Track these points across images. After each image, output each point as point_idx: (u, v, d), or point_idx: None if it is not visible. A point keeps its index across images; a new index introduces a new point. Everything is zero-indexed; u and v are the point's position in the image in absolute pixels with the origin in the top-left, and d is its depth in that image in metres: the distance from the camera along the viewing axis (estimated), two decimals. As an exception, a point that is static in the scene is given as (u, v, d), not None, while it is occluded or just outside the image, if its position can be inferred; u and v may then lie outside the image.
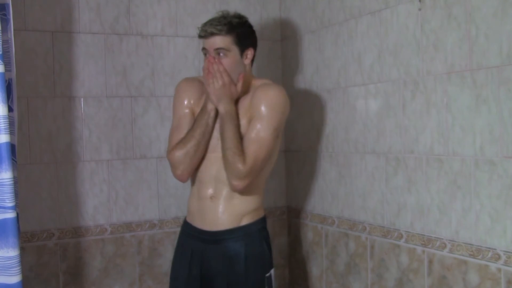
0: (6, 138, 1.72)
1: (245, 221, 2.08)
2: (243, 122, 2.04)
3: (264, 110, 2.00)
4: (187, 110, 2.12)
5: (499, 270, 1.70)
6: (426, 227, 1.95)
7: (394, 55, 2.07)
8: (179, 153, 2.04)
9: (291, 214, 2.77)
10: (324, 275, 2.52)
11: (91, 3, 2.41)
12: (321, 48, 2.50)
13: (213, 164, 2.06)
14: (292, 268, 2.77)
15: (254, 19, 2.73)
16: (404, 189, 2.04)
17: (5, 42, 1.84)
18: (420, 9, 1.95)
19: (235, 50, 2.03)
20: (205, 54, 2.05)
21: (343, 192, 2.38)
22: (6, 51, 1.83)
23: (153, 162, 2.52)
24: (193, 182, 2.16)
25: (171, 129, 2.15)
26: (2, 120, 1.71)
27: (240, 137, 2.00)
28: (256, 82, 2.13)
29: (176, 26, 2.58)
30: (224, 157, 1.98)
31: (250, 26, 2.10)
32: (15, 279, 1.74)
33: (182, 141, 2.05)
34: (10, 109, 1.82)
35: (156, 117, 2.53)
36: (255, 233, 2.08)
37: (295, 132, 2.72)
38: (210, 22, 2.02)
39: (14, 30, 1.90)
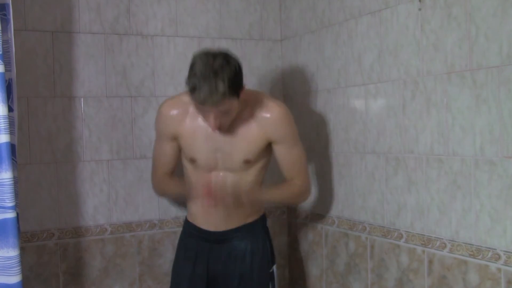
0: (6, 138, 1.72)
1: (249, 220, 2.10)
2: (249, 137, 2.01)
3: (285, 133, 2.05)
4: (166, 144, 2.11)
5: (499, 270, 1.70)
6: (426, 227, 1.95)
7: (394, 55, 2.07)
8: (158, 190, 2.22)
9: (291, 214, 2.77)
10: (324, 275, 2.52)
11: (91, 3, 2.41)
12: (321, 48, 2.50)
13: (213, 179, 2.06)
14: (292, 268, 2.77)
15: (254, 19, 2.74)
16: (404, 189, 2.04)
17: (5, 42, 1.84)
18: (420, 9, 1.95)
19: (234, 101, 1.87)
20: (200, 109, 1.89)
21: (343, 192, 2.38)
22: (6, 51, 1.84)
23: (153, 162, 2.52)
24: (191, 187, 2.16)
25: (155, 150, 2.18)
26: (2, 120, 1.71)
27: (252, 149, 2.03)
28: (251, 99, 2.01)
29: (176, 26, 2.58)
30: (291, 203, 2.16)
31: (239, 68, 1.88)
32: (15, 279, 1.74)
33: (162, 184, 2.16)
34: (10, 109, 1.82)
35: (156, 117, 2.53)
36: (258, 230, 2.14)
37: (295, 132, 2.72)
38: (206, 95, 1.78)
39: (14, 30, 1.90)
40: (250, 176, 2.08)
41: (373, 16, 2.17)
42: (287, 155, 2.07)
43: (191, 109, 2.00)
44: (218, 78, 1.77)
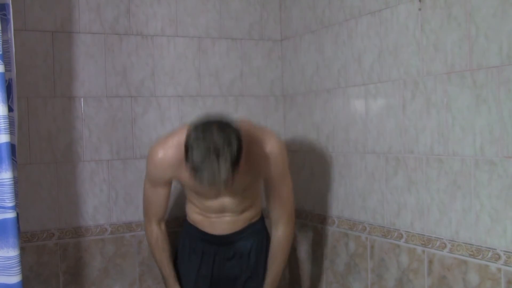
0: (6, 138, 1.72)
1: (253, 220, 2.18)
2: (243, 174, 1.91)
3: (276, 171, 2.01)
4: (161, 189, 2.05)
5: (499, 270, 1.70)
6: (426, 227, 1.95)
7: (394, 55, 2.07)
8: (149, 242, 2.16)
9: (291, 214, 2.77)
10: (324, 275, 2.52)
11: (91, 3, 2.41)
12: (321, 48, 2.50)
13: (213, 205, 2.08)
14: (292, 268, 2.77)
15: (254, 19, 2.74)
16: (404, 189, 2.04)
17: (5, 42, 1.84)
18: (420, 9, 1.95)
19: (236, 173, 1.77)
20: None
21: (343, 192, 2.38)
22: (6, 51, 1.84)
23: (153, 162, 2.52)
24: (192, 206, 2.17)
25: (146, 192, 2.10)
26: (2, 120, 1.71)
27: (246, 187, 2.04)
28: (245, 136, 1.87)
29: (176, 26, 2.58)
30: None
31: (239, 141, 1.75)
32: (15, 279, 1.74)
33: (155, 245, 2.14)
34: (10, 109, 1.82)
35: (156, 117, 2.53)
36: (261, 230, 2.19)
37: (295, 132, 2.72)
38: (210, 178, 1.70)
39: (14, 30, 1.90)
40: (250, 195, 2.12)
41: (373, 16, 2.17)
42: (276, 190, 2.07)
43: (182, 155, 1.84)
44: (218, 165, 1.68)
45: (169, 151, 1.95)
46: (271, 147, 1.98)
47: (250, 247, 2.15)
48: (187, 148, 1.72)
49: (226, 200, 2.06)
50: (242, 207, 2.11)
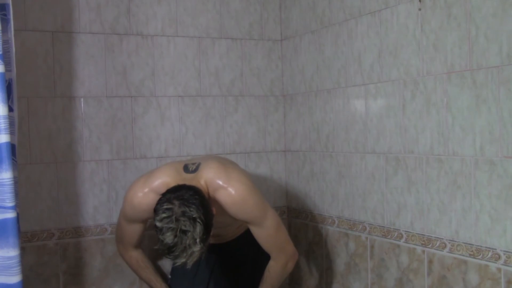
0: (6, 138, 1.72)
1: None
2: (226, 218, 1.99)
3: (252, 214, 1.97)
4: (136, 226, 2.08)
5: (499, 270, 1.70)
6: (426, 227, 1.95)
7: (394, 55, 2.07)
8: (124, 259, 2.20)
9: (291, 214, 2.77)
10: (324, 275, 2.52)
11: (91, 3, 2.41)
12: (321, 48, 2.50)
13: None
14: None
15: (254, 19, 2.74)
16: (404, 189, 2.04)
17: (5, 42, 1.84)
18: (420, 9, 1.95)
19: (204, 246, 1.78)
20: None
21: (343, 192, 2.38)
22: (6, 51, 1.84)
23: (153, 162, 2.52)
24: None
25: (118, 230, 2.14)
26: (2, 120, 1.71)
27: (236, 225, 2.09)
28: (211, 191, 1.94)
29: (176, 26, 2.58)
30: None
31: (205, 215, 1.76)
32: (15, 279, 1.74)
33: (136, 270, 2.17)
34: (10, 109, 1.82)
35: (156, 117, 2.53)
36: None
37: (295, 132, 2.72)
38: (183, 257, 1.73)
39: (14, 30, 1.90)
40: (238, 223, 2.14)
41: (373, 16, 2.17)
42: (261, 232, 2.02)
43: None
44: (189, 242, 1.70)
45: (149, 195, 1.95)
46: (235, 196, 1.93)
47: (246, 251, 2.16)
48: (156, 229, 1.73)
49: (220, 232, 2.09)
50: (236, 233, 2.16)
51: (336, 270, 2.43)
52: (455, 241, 1.84)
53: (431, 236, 1.93)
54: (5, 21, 1.84)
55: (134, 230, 2.09)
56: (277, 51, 2.80)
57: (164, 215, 1.71)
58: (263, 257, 2.11)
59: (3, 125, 1.71)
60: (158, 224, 1.71)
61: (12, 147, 1.79)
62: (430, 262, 1.94)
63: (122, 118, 2.47)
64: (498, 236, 1.70)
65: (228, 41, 2.68)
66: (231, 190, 1.92)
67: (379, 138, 2.16)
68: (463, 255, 1.81)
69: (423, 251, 1.97)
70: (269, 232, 2.02)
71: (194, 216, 1.70)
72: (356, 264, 2.31)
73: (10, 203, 1.72)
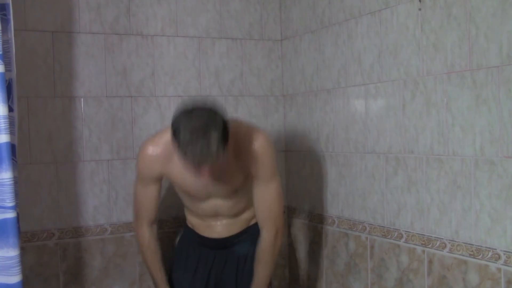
0: (6, 138, 1.72)
1: (250, 223, 2.16)
2: (233, 171, 1.98)
3: (262, 169, 1.98)
4: (151, 187, 2.05)
5: (499, 270, 1.70)
6: (426, 227, 1.95)
7: (394, 55, 2.07)
8: (140, 244, 2.14)
9: (291, 214, 2.77)
10: (324, 275, 2.52)
11: (91, 3, 2.41)
12: (321, 48, 2.50)
13: (207, 207, 2.08)
14: (292, 268, 2.77)
15: (254, 19, 2.74)
16: (404, 189, 2.04)
17: (5, 42, 1.84)
18: (420, 9, 1.95)
19: (225, 153, 1.79)
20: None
21: (343, 192, 2.38)
22: (6, 51, 1.83)
23: (153, 162, 2.52)
24: (188, 210, 2.18)
25: (137, 191, 2.08)
26: (2, 120, 1.71)
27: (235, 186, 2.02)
28: (233, 133, 1.88)
29: (176, 26, 2.58)
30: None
31: (225, 119, 1.77)
32: (15, 279, 1.74)
33: (146, 249, 2.11)
34: (10, 109, 1.82)
35: (156, 117, 2.53)
36: (258, 233, 2.12)
37: (295, 132, 2.72)
38: (199, 155, 1.70)
39: (14, 30, 1.90)
40: (244, 197, 2.09)
41: (373, 16, 2.17)
42: (264, 192, 2.02)
43: (172, 152, 1.89)
44: (208, 140, 1.68)
45: (159, 147, 1.97)
46: (259, 143, 1.96)
47: (247, 252, 2.13)
48: (175, 131, 1.72)
49: (218, 203, 2.05)
50: (236, 210, 2.10)
51: (336, 270, 2.43)
52: (455, 241, 1.84)
53: (431, 236, 1.93)
54: (5, 21, 1.84)
55: (148, 195, 2.05)
56: (277, 51, 2.80)
57: (186, 114, 1.73)
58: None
59: (3, 125, 1.71)
60: (175, 125, 1.72)
61: (12, 147, 1.79)
62: (430, 262, 1.94)
63: (122, 118, 2.47)
64: (498, 236, 1.70)
65: (228, 41, 2.68)
66: (259, 137, 1.96)
67: (379, 138, 2.16)
68: (463, 255, 1.81)
69: (423, 251, 1.97)
70: (271, 195, 2.02)
71: (215, 117, 1.72)
72: (356, 264, 2.31)
73: (10, 203, 1.72)
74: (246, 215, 2.14)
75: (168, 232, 2.53)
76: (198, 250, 2.15)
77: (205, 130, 1.68)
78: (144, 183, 2.04)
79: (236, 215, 2.11)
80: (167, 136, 1.86)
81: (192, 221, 2.16)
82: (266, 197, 2.03)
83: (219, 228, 2.12)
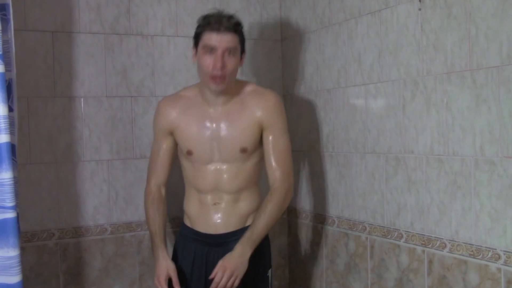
0: (6, 138, 1.72)
1: (249, 222, 2.09)
2: (243, 123, 2.04)
3: (275, 120, 2.08)
4: (163, 140, 2.12)
5: (499, 270, 1.70)
6: (426, 227, 1.95)
7: (394, 55, 2.07)
8: (145, 204, 2.17)
9: (291, 214, 2.77)
10: (324, 275, 2.52)
11: (91, 3, 2.41)
12: (321, 48, 2.50)
13: (209, 176, 2.07)
14: (292, 268, 2.77)
15: (254, 19, 2.74)
16: (404, 189, 2.04)
17: (5, 42, 1.84)
18: (420, 9, 1.95)
19: (239, 51, 2.01)
20: (208, 52, 1.96)
21: (343, 192, 2.38)
22: (6, 51, 1.83)
23: (153, 162, 2.52)
24: (189, 190, 2.16)
25: (152, 148, 2.20)
26: (2, 120, 1.71)
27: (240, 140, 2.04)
28: (244, 87, 2.11)
29: (176, 26, 2.58)
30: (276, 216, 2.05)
31: (243, 29, 2.07)
32: (15, 279, 1.74)
33: (150, 206, 2.12)
34: (10, 109, 1.82)
35: (156, 117, 2.53)
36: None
37: (295, 132, 2.71)
38: (219, 17, 1.96)
39: (14, 30, 1.90)
40: (247, 169, 2.08)
41: (373, 16, 2.17)
42: (275, 143, 2.06)
43: (187, 101, 2.09)
44: (229, 15, 1.99)
45: (171, 98, 2.16)
46: (272, 96, 2.09)
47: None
48: (196, 33, 2.03)
49: (220, 170, 2.04)
50: (236, 185, 2.05)
51: (336, 270, 2.43)
52: (455, 241, 1.84)
53: (431, 236, 1.93)
54: (5, 21, 1.84)
55: (160, 150, 2.12)
56: (277, 51, 2.80)
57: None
58: (261, 253, 2.08)
59: (3, 125, 1.71)
60: (200, 18, 2.03)
61: (12, 147, 1.79)
62: (430, 262, 1.94)
63: (122, 118, 2.47)
64: (498, 236, 1.70)
65: (228, 41, 2.67)
66: (271, 92, 2.11)
67: (379, 138, 2.16)
68: (463, 255, 1.81)
69: (423, 251, 1.97)
70: (284, 147, 2.08)
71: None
72: (356, 264, 2.31)
73: (10, 203, 1.72)
74: (244, 207, 2.08)
75: (168, 232, 2.53)
76: (194, 247, 2.10)
77: (228, 13, 2.00)
78: (157, 137, 2.15)
79: (235, 196, 2.06)
80: (183, 92, 2.13)
81: (190, 210, 2.12)
82: (280, 148, 2.06)
83: (216, 218, 2.06)
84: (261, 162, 2.12)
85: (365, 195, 2.25)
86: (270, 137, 2.06)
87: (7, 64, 1.82)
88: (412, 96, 1.99)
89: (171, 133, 2.12)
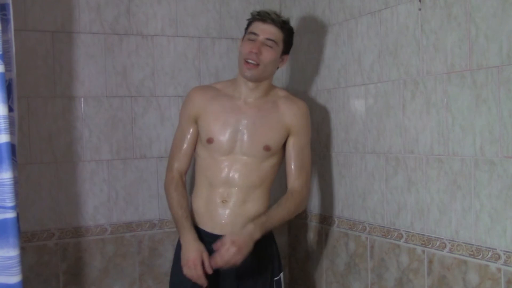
0: (6, 138, 1.72)
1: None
2: (272, 122, 2.08)
3: (304, 129, 2.12)
4: (187, 126, 2.13)
5: (499, 270, 1.70)
6: (426, 227, 1.95)
7: (394, 55, 2.07)
8: (166, 192, 2.14)
9: (291, 214, 2.76)
10: (324, 275, 2.52)
11: (91, 3, 2.41)
12: (321, 48, 2.50)
13: (224, 168, 2.05)
14: (292, 268, 2.77)
15: (254, 19, 2.73)
16: (404, 189, 2.04)
17: (6, 42, 1.83)
18: (420, 9, 1.95)
19: (279, 48, 2.07)
20: (250, 39, 2.06)
21: (343, 192, 2.38)
22: (6, 51, 1.83)
23: (153, 162, 2.52)
24: (199, 184, 2.13)
25: (175, 135, 2.19)
26: (2, 120, 1.71)
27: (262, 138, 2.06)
28: (277, 91, 2.18)
29: (176, 26, 2.58)
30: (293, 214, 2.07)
31: (293, 35, 2.16)
32: (15, 279, 1.74)
33: (170, 193, 2.10)
34: (10, 109, 1.82)
35: (156, 117, 2.53)
36: (265, 236, 1.99)
37: (295, 132, 2.72)
38: (270, 11, 2.07)
39: (14, 30, 1.90)
40: (263, 169, 2.07)
41: (373, 16, 2.17)
42: (299, 150, 2.10)
43: (217, 92, 2.13)
44: (280, 14, 2.10)
45: (201, 88, 2.21)
46: (303, 105, 2.15)
47: (250, 253, 1.92)
48: (248, 21, 2.12)
49: (238, 163, 2.03)
50: (250, 182, 2.03)
51: (336, 270, 2.43)
52: (455, 241, 1.84)
53: (431, 236, 1.93)
54: (5, 21, 1.84)
55: (184, 136, 2.13)
56: (277, 51, 2.79)
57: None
58: (266, 253, 2.07)
59: (3, 125, 1.71)
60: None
61: (12, 147, 1.79)
62: (430, 262, 1.94)
63: (122, 118, 2.47)
64: (498, 236, 1.70)
65: (228, 41, 2.68)
66: (302, 102, 2.17)
67: (379, 138, 2.16)
68: (463, 255, 1.81)
69: (423, 251, 1.97)
70: (306, 152, 2.13)
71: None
72: (356, 264, 2.31)
73: (10, 203, 1.72)
74: (252, 208, 2.04)
75: (168, 232, 2.53)
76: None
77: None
78: (182, 125, 2.15)
79: (245, 195, 2.03)
80: (214, 83, 2.21)
81: (197, 207, 2.09)
82: (303, 157, 2.10)
83: (223, 218, 2.02)
84: (278, 166, 2.14)
85: (365, 195, 2.25)
86: (296, 144, 2.09)
87: (7, 64, 1.82)
88: (412, 96, 1.99)
89: (196, 121, 2.12)
